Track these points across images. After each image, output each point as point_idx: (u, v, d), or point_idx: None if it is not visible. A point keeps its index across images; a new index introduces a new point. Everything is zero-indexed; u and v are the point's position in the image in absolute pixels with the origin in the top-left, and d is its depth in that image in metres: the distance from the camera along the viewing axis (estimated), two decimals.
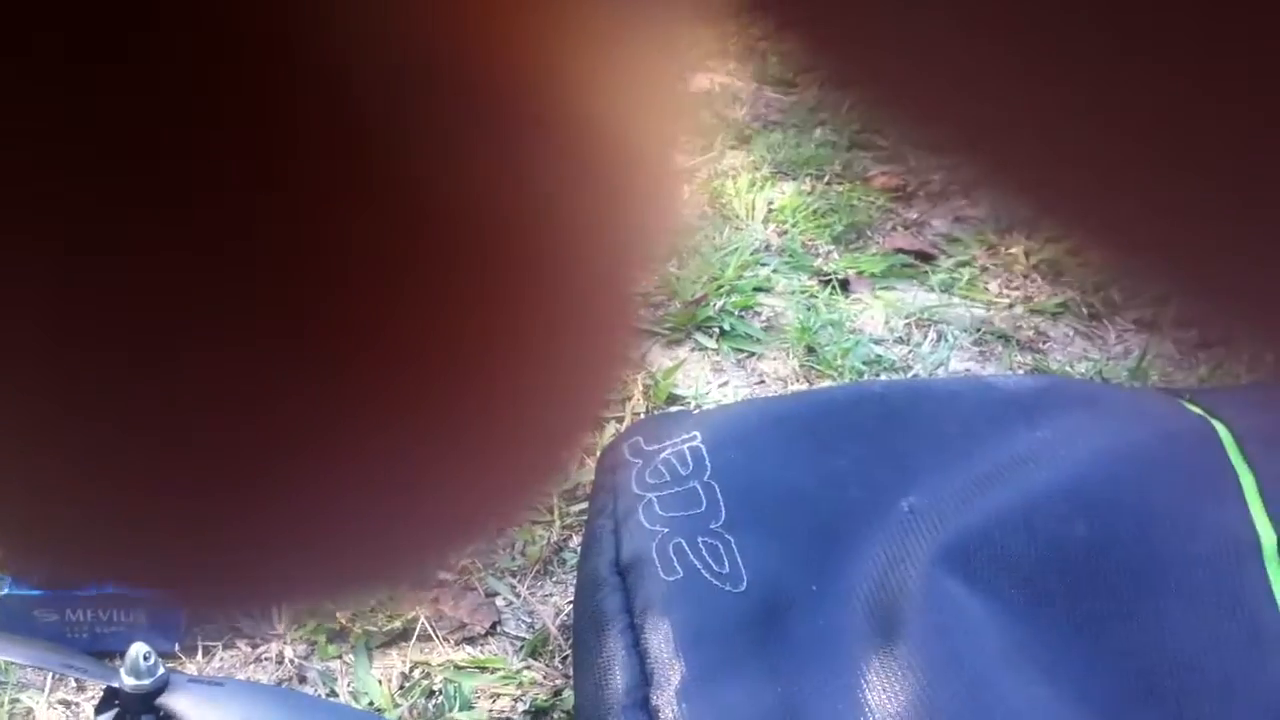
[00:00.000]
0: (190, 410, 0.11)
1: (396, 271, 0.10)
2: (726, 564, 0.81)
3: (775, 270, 1.41)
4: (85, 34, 0.09)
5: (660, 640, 0.77)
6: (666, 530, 0.83)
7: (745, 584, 0.80)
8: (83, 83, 0.09)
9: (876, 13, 0.09)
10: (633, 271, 0.12)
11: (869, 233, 1.50)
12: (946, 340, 1.33)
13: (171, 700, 0.81)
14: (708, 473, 0.86)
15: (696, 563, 0.81)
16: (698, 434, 0.90)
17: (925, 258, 1.46)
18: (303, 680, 0.94)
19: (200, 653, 0.96)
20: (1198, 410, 0.92)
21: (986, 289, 1.41)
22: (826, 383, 1.24)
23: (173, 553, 0.12)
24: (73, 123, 0.09)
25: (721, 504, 0.84)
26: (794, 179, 1.56)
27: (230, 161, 0.10)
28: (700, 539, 0.82)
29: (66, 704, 0.92)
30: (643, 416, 1.13)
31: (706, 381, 1.23)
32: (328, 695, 0.93)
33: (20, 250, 0.10)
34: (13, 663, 0.91)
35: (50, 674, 0.93)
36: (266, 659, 0.96)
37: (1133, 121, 0.08)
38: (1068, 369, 1.29)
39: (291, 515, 0.12)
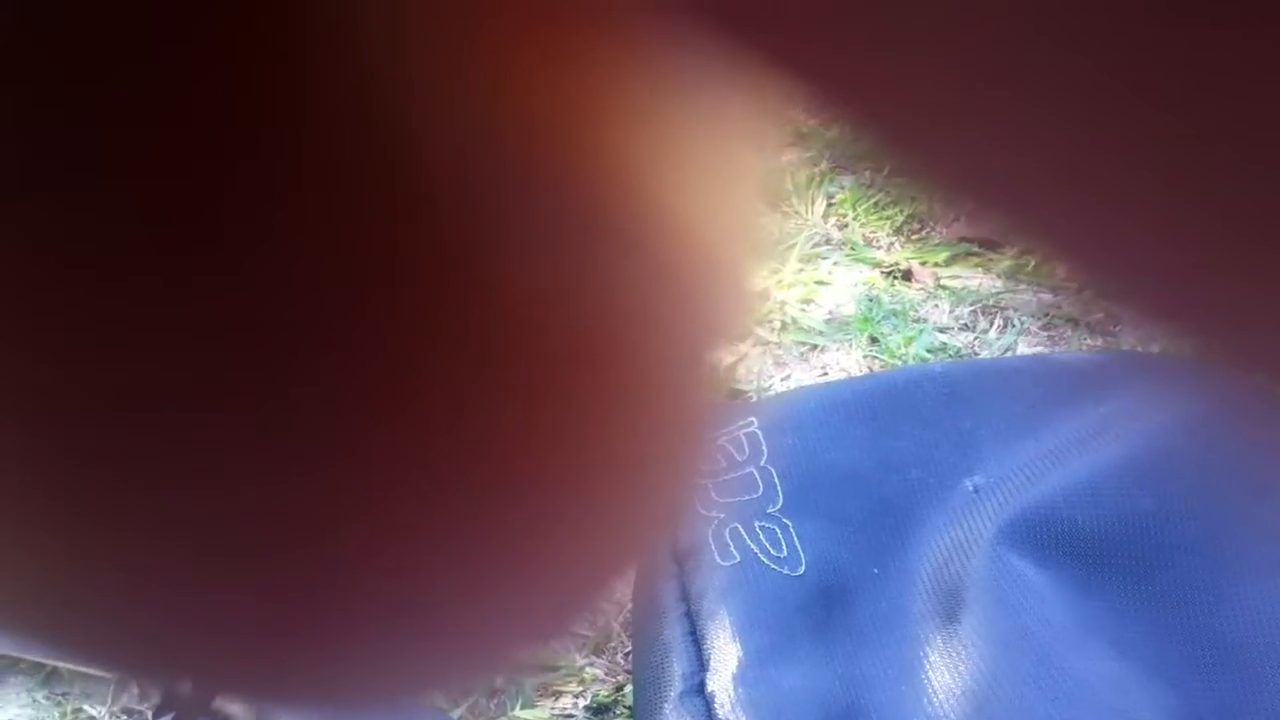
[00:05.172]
0: (284, 520, 0.11)
1: (487, 371, 0.11)
2: (784, 548, 0.79)
3: (836, 263, 1.39)
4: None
5: (717, 626, 0.75)
6: (723, 516, 0.81)
7: (804, 567, 0.78)
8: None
9: (876, 60, 0.09)
10: (707, 354, 0.12)
11: (931, 222, 1.47)
12: (1013, 326, 1.30)
13: (227, 703, 0.81)
14: (764, 457, 0.84)
15: (754, 547, 0.79)
16: (754, 420, 0.88)
17: (990, 244, 1.43)
18: None
19: None
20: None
21: (1055, 273, 1.38)
22: None
23: (264, 656, 0.12)
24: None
25: (779, 488, 0.82)
26: (853, 172, 1.54)
27: (314, 271, 0.10)
28: (757, 524, 0.80)
29: (129, 712, 0.92)
30: None
31: (769, 375, 1.22)
32: None
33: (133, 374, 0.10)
34: (76, 670, 0.91)
35: (112, 682, 0.93)
36: None
37: (1122, 145, 0.08)
38: (1138, 351, 1.26)
39: (389, 610, 0.12)
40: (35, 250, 0.09)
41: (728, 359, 0.12)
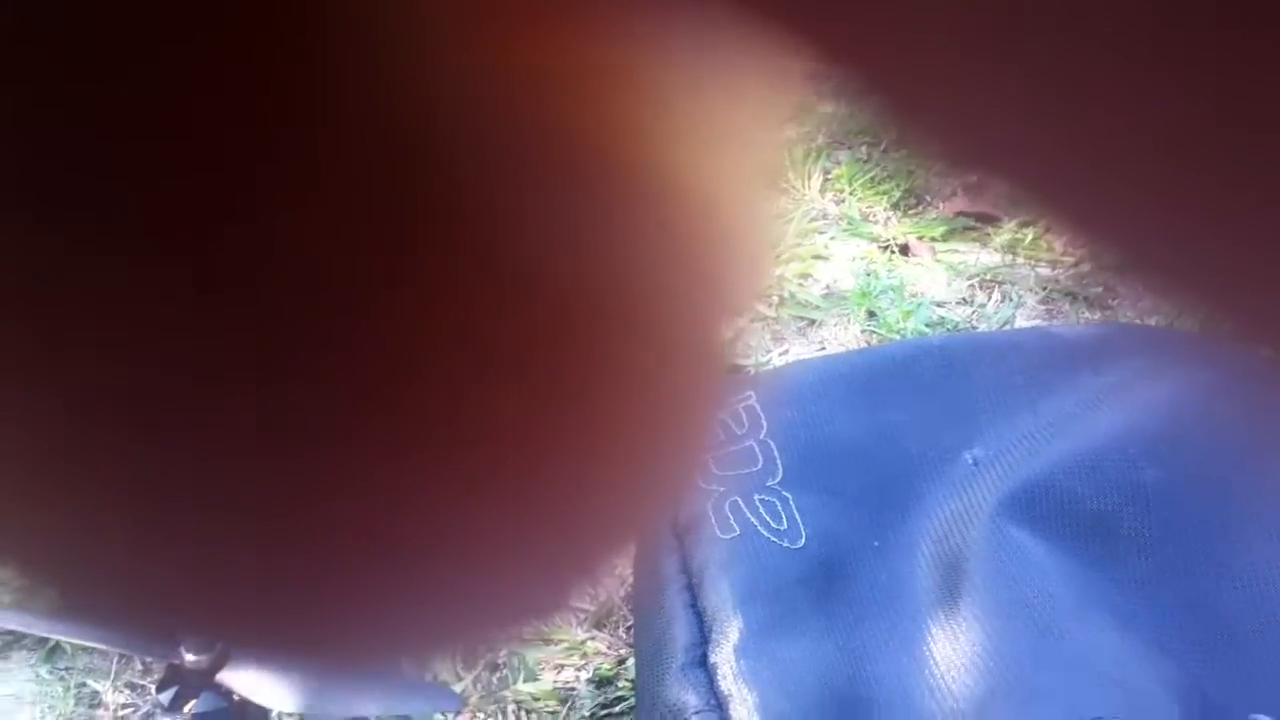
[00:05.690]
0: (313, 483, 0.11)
1: (510, 353, 0.11)
2: (784, 520, 0.79)
3: (833, 238, 1.39)
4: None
5: (718, 598, 0.75)
6: (722, 489, 0.81)
7: (804, 540, 0.78)
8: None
9: (888, 28, 0.09)
10: (720, 328, 0.12)
11: (928, 197, 1.47)
12: (1011, 300, 1.30)
13: (232, 675, 0.81)
14: (764, 430, 0.85)
15: (754, 520, 0.79)
16: (753, 393, 0.88)
17: (988, 219, 1.43)
18: None
19: None
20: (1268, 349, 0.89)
21: (1052, 247, 1.38)
22: None
23: (295, 615, 0.12)
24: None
25: (778, 461, 0.82)
26: (850, 148, 1.54)
27: (332, 270, 0.10)
28: (757, 496, 0.81)
29: (133, 686, 0.92)
30: None
31: (767, 349, 1.22)
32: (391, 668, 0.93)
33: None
34: (79, 645, 0.92)
35: (115, 656, 0.93)
36: None
37: (1130, 115, 0.08)
38: (1137, 323, 1.26)
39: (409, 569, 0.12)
40: (35, 250, 0.09)
41: (727, 334, 0.12)
